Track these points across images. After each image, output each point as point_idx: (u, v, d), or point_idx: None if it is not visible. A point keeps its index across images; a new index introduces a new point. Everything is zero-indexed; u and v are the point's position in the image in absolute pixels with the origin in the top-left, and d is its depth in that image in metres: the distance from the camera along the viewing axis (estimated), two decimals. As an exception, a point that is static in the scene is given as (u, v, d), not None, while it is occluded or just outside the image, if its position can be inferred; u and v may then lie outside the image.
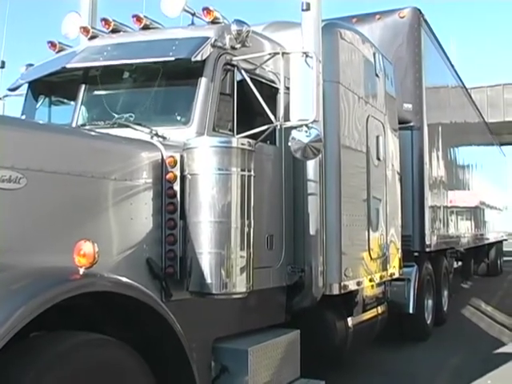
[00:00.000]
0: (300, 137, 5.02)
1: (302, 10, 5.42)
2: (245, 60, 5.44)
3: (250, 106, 5.43)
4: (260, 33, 6.13)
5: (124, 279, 3.70)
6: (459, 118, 15.35)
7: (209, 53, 5.16)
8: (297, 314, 6.29)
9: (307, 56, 4.97)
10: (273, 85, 5.91)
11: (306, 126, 4.97)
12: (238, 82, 5.44)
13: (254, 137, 5.07)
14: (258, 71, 5.68)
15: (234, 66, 5.39)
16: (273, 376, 5.46)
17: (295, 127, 5.04)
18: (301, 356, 5.98)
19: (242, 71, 5.39)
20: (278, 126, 5.29)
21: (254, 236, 4.76)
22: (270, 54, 5.60)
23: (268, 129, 5.18)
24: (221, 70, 5.29)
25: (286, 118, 5.13)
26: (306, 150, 5.05)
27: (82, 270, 3.45)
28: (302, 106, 4.96)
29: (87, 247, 3.48)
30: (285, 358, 5.71)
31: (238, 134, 5.24)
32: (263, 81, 5.81)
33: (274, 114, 5.38)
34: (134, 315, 3.85)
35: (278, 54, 5.38)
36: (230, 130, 5.34)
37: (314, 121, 4.97)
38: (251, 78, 5.41)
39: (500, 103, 33.64)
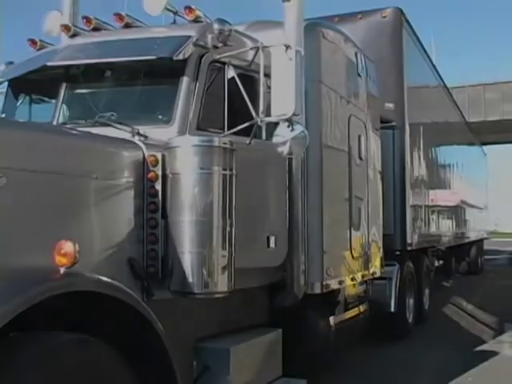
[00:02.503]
0: (283, 132, 5.00)
1: (283, 0, 5.39)
2: (230, 56, 5.38)
3: (239, 103, 5.39)
4: (242, 32, 6.11)
5: (105, 279, 3.69)
6: (440, 117, 15.46)
7: (191, 52, 5.15)
8: (279, 314, 6.29)
9: (287, 48, 4.91)
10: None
11: (289, 120, 4.94)
12: (227, 80, 5.39)
13: (247, 135, 5.06)
14: (244, 68, 5.62)
15: (223, 63, 5.36)
16: (254, 375, 5.47)
17: (276, 122, 5.02)
18: (283, 355, 5.99)
19: (231, 68, 5.36)
20: (259, 122, 5.17)
21: (237, 235, 4.76)
22: (251, 48, 5.51)
23: (252, 125, 5.11)
24: (205, 68, 5.26)
25: (268, 113, 5.07)
26: (289, 146, 5.04)
27: (62, 270, 3.44)
28: (282, 101, 4.88)
29: (68, 247, 3.47)
30: (266, 357, 5.72)
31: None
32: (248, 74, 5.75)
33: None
34: (116, 315, 3.83)
35: (258, 48, 5.29)
36: (220, 129, 5.27)
37: (294, 114, 4.89)
38: (238, 75, 5.37)
39: (481, 103, 33.97)
